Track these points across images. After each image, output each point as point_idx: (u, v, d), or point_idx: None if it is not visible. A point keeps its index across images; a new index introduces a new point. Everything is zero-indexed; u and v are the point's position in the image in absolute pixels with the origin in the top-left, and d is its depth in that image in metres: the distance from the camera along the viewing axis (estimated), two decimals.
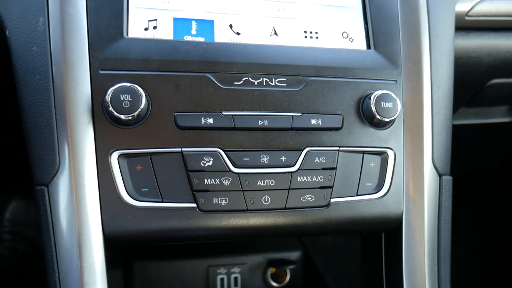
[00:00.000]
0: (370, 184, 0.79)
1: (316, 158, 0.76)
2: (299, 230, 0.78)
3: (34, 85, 0.71)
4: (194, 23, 0.78)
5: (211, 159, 0.72)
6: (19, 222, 1.66)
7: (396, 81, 0.82)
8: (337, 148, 0.78)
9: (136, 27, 0.75)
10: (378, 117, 0.77)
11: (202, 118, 0.72)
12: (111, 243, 0.71)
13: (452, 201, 0.88)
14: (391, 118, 0.78)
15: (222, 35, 0.78)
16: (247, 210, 0.73)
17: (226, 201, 0.72)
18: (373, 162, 0.80)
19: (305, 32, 0.83)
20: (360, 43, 0.84)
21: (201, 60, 0.74)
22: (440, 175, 0.86)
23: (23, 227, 1.66)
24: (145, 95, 0.69)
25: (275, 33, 0.81)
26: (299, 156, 0.76)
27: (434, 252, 0.84)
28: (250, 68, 0.75)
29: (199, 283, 1.21)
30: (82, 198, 0.69)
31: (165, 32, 0.76)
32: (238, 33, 0.79)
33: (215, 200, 0.72)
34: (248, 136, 0.74)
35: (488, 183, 1.99)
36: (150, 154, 0.71)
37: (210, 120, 0.72)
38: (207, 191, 0.71)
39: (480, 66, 1.07)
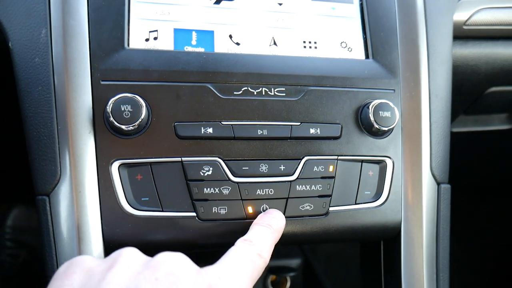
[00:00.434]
0: (369, 192, 0.80)
1: (315, 167, 0.77)
2: (298, 239, 0.78)
3: (36, 96, 0.72)
4: (194, 34, 0.79)
5: (211, 169, 0.73)
6: (20, 229, 1.67)
7: (394, 90, 0.83)
8: (336, 157, 0.78)
9: (137, 38, 0.76)
10: (377, 126, 0.78)
11: (202, 128, 0.73)
12: (111, 252, 0.72)
13: (450, 209, 0.88)
14: (389, 127, 0.79)
15: (222, 46, 0.79)
16: (246, 219, 0.74)
17: (225, 210, 0.73)
18: (371, 171, 0.81)
19: (304, 42, 0.83)
20: (358, 53, 0.85)
21: (201, 71, 0.75)
22: (438, 184, 0.86)
23: (25, 234, 1.66)
24: (146, 106, 0.70)
25: (275, 43, 0.82)
26: (298, 165, 0.76)
27: (432, 260, 0.84)
28: (249, 78, 0.76)
29: None
30: (83, 208, 0.70)
31: (166, 43, 0.77)
32: (237, 44, 0.80)
33: (215, 209, 0.72)
34: (247, 146, 0.75)
35: (488, 190, 1.99)
36: (151, 163, 0.72)
37: (210, 130, 0.73)
38: (206, 200, 0.72)
39: (478, 75, 1.08)
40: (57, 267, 0.70)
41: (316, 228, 0.77)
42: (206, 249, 0.77)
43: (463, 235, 1.99)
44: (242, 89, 0.76)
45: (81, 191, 0.70)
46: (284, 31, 0.83)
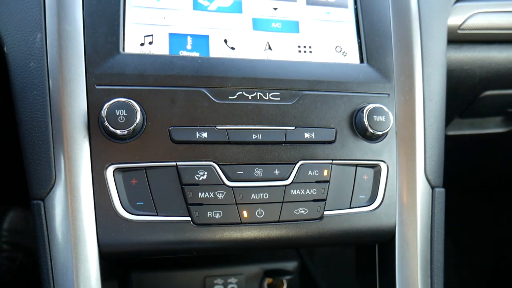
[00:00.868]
0: (363, 196, 0.80)
1: (310, 171, 0.77)
2: (293, 243, 0.78)
3: (31, 100, 0.72)
4: (189, 38, 0.79)
5: (205, 173, 0.73)
6: (17, 232, 1.67)
7: (388, 94, 0.83)
8: (330, 161, 0.79)
9: (132, 42, 0.76)
10: (371, 130, 0.78)
11: (197, 132, 0.73)
12: (106, 256, 0.72)
13: (447, 211, 0.89)
14: (383, 132, 0.79)
15: (217, 50, 0.80)
16: (241, 223, 0.74)
17: (220, 215, 0.73)
18: (366, 175, 0.81)
19: (299, 46, 0.84)
20: (353, 57, 0.85)
21: (196, 75, 0.75)
22: (432, 187, 0.87)
23: (22, 237, 1.66)
24: (141, 110, 0.70)
25: (269, 48, 0.82)
26: (293, 169, 0.77)
27: (427, 264, 0.85)
28: (244, 83, 0.76)
29: None
30: (77, 212, 0.70)
31: (161, 47, 0.77)
32: (232, 48, 0.80)
33: (209, 213, 0.73)
34: (242, 150, 0.75)
35: (485, 192, 2.00)
36: (145, 168, 0.72)
37: (205, 134, 0.73)
38: (201, 204, 0.72)
39: (473, 78, 1.08)
40: (52, 272, 0.71)
41: (311, 232, 0.78)
42: (200, 253, 0.77)
43: (461, 237, 2.00)
44: (237, 94, 0.76)
45: (76, 195, 0.70)
46: (279, 36, 0.83)
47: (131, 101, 0.69)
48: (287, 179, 0.76)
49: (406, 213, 0.83)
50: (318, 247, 1.36)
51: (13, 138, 0.79)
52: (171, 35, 0.79)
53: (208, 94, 0.75)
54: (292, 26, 0.84)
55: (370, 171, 0.81)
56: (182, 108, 0.73)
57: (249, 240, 0.75)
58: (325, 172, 0.78)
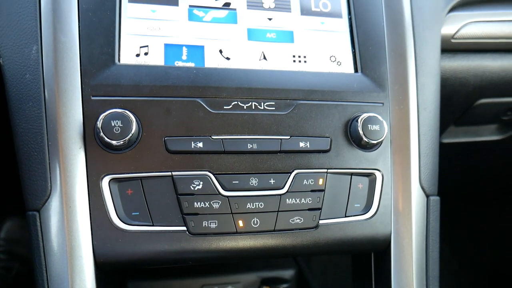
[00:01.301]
0: (358, 205, 0.81)
1: (305, 180, 0.78)
2: (288, 252, 0.79)
3: (27, 112, 0.72)
4: (184, 49, 0.80)
5: (201, 183, 0.73)
6: (14, 241, 1.66)
7: (383, 103, 0.84)
8: (326, 170, 0.79)
9: (128, 53, 0.77)
10: (366, 139, 0.78)
11: (192, 142, 0.74)
12: (102, 267, 0.72)
13: (443, 218, 0.89)
14: (378, 140, 0.79)
15: (212, 60, 0.80)
16: (237, 232, 0.74)
17: (215, 224, 0.73)
18: (361, 184, 0.81)
19: (294, 56, 0.84)
20: (347, 67, 0.86)
21: (191, 85, 0.75)
22: (427, 196, 0.87)
23: (18, 246, 1.66)
24: (136, 121, 0.71)
25: (264, 58, 0.83)
26: (288, 178, 0.77)
27: (422, 272, 0.85)
28: (239, 93, 0.77)
29: None
30: (73, 223, 0.70)
31: (156, 58, 0.78)
32: (228, 58, 0.81)
33: (205, 223, 0.73)
34: (237, 160, 0.75)
35: (481, 198, 2.00)
36: (141, 178, 0.72)
37: (200, 144, 0.74)
38: (196, 214, 0.73)
39: (467, 87, 1.09)
40: (48, 282, 0.71)
41: (306, 241, 0.78)
42: (196, 263, 0.77)
43: (457, 243, 2.00)
44: (232, 104, 0.76)
45: (71, 206, 0.70)
46: (274, 46, 0.84)
47: (127, 111, 0.70)
48: (282, 188, 0.77)
49: (401, 222, 0.83)
50: (314, 255, 1.36)
51: (9, 149, 0.79)
52: (167, 46, 0.79)
53: (204, 104, 0.75)
54: (287, 36, 0.85)
55: (365, 179, 0.82)
56: (178, 118, 0.74)
57: (245, 249, 0.75)
58: (320, 181, 0.78)
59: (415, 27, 0.91)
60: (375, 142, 0.79)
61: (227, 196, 0.74)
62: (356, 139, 0.80)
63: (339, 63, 0.86)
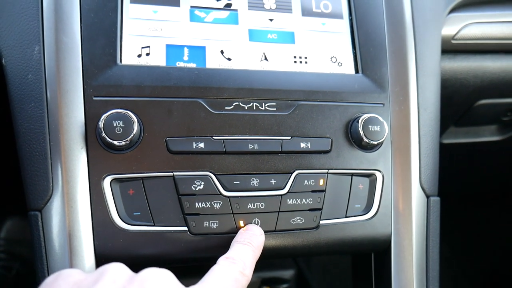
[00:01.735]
0: (359, 206, 0.81)
1: (306, 180, 0.78)
2: (289, 252, 0.79)
3: (29, 112, 0.72)
4: (186, 50, 0.80)
5: (202, 183, 0.73)
6: (14, 241, 1.66)
7: (383, 104, 0.84)
8: (326, 170, 0.79)
9: (130, 54, 0.77)
10: (366, 140, 0.79)
11: (194, 143, 0.74)
12: None
13: (443, 219, 0.89)
14: (378, 141, 0.80)
15: (213, 61, 0.80)
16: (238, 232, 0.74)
17: (216, 224, 0.73)
18: (361, 184, 0.81)
19: (295, 57, 0.85)
20: (348, 68, 0.86)
21: (192, 86, 0.76)
22: (427, 196, 0.87)
23: (19, 246, 1.66)
24: (138, 121, 0.71)
25: (266, 59, 0.83)
26: (289, 179, 0.77)
27: (422, 273, 0.85)
28: (240, 93, 0.77)
29: None
30: (75, 223, 0.70)
31: (158, 59, 0.78)
32: (229, 59, 0.81)
33: (206, 223, 0.73)
34: (238, 160, 0.76)
35: (481, 199, 2.01)
36: (142, 178, 0.72)
37: (201, 145, 0.74)
38: (198, 214, 0.73)
39: (468, 88, 1.09)
40: None
41: (307, 241, 0.78)
42: (197, 263, 0.77)
43: (457, 244, 2.00)
44: (233, 104, 0.77)
45: (73, 206, 0.70)
46: (275, 47, 0.84)
47: (128, 112, 0.70)
48: (283, 188, 0.77)
49: (401, 222, 0.83)
50: (315, 256, 1.36)
51: (10, 149, 0.79)
52: (168, 47, 0.79)
53: (205, 105, 0.75)
54: (288, 37, 0.85)
55: (366, 180, 0.82)
56: (179, 119, 0.74)
57: None
58: (321, 182, 0.78)
59: (415, 28, 0.91)
60: (375, 142, 0.79)
61: (228, 197, 0.74)
62: (356, 140, 0.80)
63: (340, 64, 0.86)
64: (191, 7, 0.82)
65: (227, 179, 0.75)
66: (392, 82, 0.86)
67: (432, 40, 0.93)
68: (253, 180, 0.76)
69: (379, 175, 0.82)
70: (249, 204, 0.75)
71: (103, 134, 0.68)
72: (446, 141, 1.30)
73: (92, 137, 0.71)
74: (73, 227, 0.70)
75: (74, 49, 0.74)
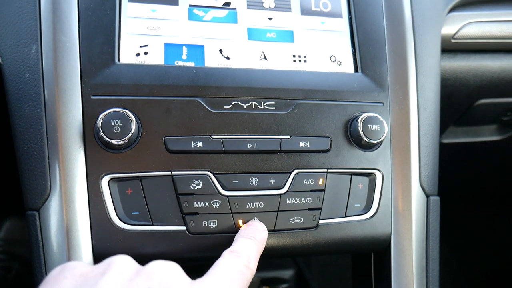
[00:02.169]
0: (358, 205, 0.81)
1: (305, 180, 0.77)
2: (288, 252, 0.79)
3: (27, 111, 0.72)
4: (184, 48, 0.80)
5: (201, 182, 0.73)
6: (13, 241, 1.66)
7: (383, 103, 0.84)
8: (326, 170, 0.79)
9: (128, 53, 0.77)
10: (366, 139, 0.78)
11: (192, 142, 0.73)
12: None
13: (443, 219, 0.89)
14: (378, 140, 0.79)
15: (212, 60, 0.80)
16: (237, 232, 0.74)
17: (215, 224, 0.73)
18: (361, 184, 0.81)
19: (294, 56, 0.84)
20: (348, 67, 0.86)
21: (191, 85, 0.75)
22: (427, 196, 0.87)
23: (18, 246, 1.66)
24: (136, 120, 0.71)
25: (264, 57, 0.83)
26: (288, 178, 0.77)
27: (422, 273, 0.85)
28: (239, 92, 0.77)
29: None
30: (73, 223, 0.70)
31: (156, 58, 0.78)
32: (228, 58, 0.81)
33: (205, 222, 0.73)
34: (237, 159, 0.75)
35: (481, 199, 2.01)
36: (141, 177, 0.72)
37: (200, 144, 0.74)
38: (196, 214, 0.72)
39: (467, 87, 1.09)
40: None
41: (306, 241, 0.78)
42: (196, 263, 0.77)
43: (457, 244, 2.00)
44: (232, 103, 0.76)
45: (71, 206, 0.70)
46: (274, 45, 0.84)
47: (126, 111, 0.70)
48: (282, 188, 0.76)
49: (401, 222, 0.83)
50: (314, 255, 1.36)
51: (8, 148, 0.79)
52: (167, 45, 0.79)
53: (204, 104, 0.75)
54: (287, 36, 0.85)
55: (365, 179, 0.81)
56: (178, 118, 0.74)
57: None
58: (320, 181, 0.78)
59: (415, 27, 0.91)
60: (375, 142, 0.79)
61: (227, 196, 0.74)
62: (356, 139, 0.80)
63: (339, 63, 0.86)
64: (190, 5, 0.82)
65: (226, 179, 0.74)
66: (392, 81, 0.85)
67: (432, 39, 0.93)
68: (252, 179, 0.75)
69: (378, 175, 0.82)
70: (248, 203, 0.75)
71: (101, 133, 0.68)
72: (446, 140, 1.30)
73: (90, 136, 0.71)
74: (71, 226, 0.70)
75: (72, 48, 0.73)
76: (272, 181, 0.76)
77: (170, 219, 0.72)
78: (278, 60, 0.83)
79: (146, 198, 0.72)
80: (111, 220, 0.70)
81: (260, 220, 0.75)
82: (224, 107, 0.76)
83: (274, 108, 0.78)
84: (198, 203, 0.73)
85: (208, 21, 0.82)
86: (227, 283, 0.57)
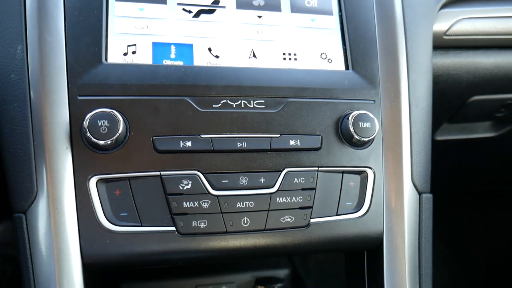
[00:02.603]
0: (350, 203, 0.80)
1: (295, 178, 0.77)
2: (279, 251, 0.78)
3: (12, 112, 0.71)
4: (173, 47, 0.79)
5: (190, 182, 0.72)
6: (7, 244, 1.65)
7: (374, 101, 0.83)
8: (316, 168, 0.78)
9: (115, 52, 0.76)
10: (357, 137, 0.78)
11: (181, 142, 0.73)
12: (90, 268, 0.71)
13: (439, 215, 0.88)
14: (369, 138, 0.79)
15: (201, 59, 0.79)
16: (227, 232, 0.73)
17: (205, 224, 0.72)
18: (352, 182, 0.80)
19: (284, 54, 0.84)
20: (338, 64, 0.85)
21: (179, 84, 0.74)
22: (420, 193, 0.86)
23: (12, 249, 1.65)
24: (123, 120, 0.70)
25: (254, 56, 0.82)
26: (278, 177, 0.76)
27: (415, 270, 0.84)
28: (228, 91, 0.76)
29: None
30: (60, 225, 0.69)
31: (144, 57, 0.77)
32: (217, 56, 0.80)
33: (194, 223, 0.72)
34: (226, 158, 0.75)
35: (476, 195, 2.00)
36: (129, 178, 0.71)
37: (189, 143, 0.73)
38: (186, 214, 0.72)
39: (460, 84, 1.09)
40: (35, 285, 0.70)
41: (297, 240, 0.77)
42: (186, 263, 0.76)
43: (452, 240, 2.00)
44: (221, 102, 0.76)
45: (58, 207, 0.69)
46: (264, 43, 0.83)
47: (113, 111, 0.69)
48: (272, 187, 0.76)
49: (393, 220, 0.82)
50: (306, 254, 1.35)
51: None
52: (155, 44, 0.78)
53: (192, 103, 0.74)
54: (277, 34, 0.84)
55: (357, 177, 0.81)
56: (166, 117, 0.73)
57: (235, 249, 0.75)
58: (311, 179, 0.77)
59: (406, 24, 0.90)
60: (366, 139, 0.79)
61: (217, 196, 0.73)
62: (347, 137, 0.79)
63: (330, 61, 0.85)
64: (178, 4, 0.81)
65: (215, 178, 0.74)
66: (383, 78, 0.85)
67: (424, 36, 0.93)
68: (241, 178, 0.75)
69: (370, 172, 0.81)
70: (238, 203, 0.74)
71: (88, 134, 0.67)
72: (439, 137, 1.30)
73: (77, 137, 0.70)
74: (59, 229, 0.69)
75: (58, 48, 0.72)
76: (262, 180, 0.75)
77: (159, 219, 0.71)
78: (268, 58, 0.82)
79: (135, 198, 0.71)
80: (99, 221, 0.70)
81: (250, 220, 0.74)
82: (213, 106, 0.75)
83: (264, 106, 0.77)
84: (187, 203, 0.72)
85: (196, 20, 0.81)
86: None
